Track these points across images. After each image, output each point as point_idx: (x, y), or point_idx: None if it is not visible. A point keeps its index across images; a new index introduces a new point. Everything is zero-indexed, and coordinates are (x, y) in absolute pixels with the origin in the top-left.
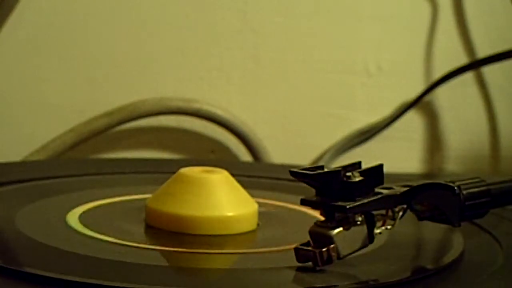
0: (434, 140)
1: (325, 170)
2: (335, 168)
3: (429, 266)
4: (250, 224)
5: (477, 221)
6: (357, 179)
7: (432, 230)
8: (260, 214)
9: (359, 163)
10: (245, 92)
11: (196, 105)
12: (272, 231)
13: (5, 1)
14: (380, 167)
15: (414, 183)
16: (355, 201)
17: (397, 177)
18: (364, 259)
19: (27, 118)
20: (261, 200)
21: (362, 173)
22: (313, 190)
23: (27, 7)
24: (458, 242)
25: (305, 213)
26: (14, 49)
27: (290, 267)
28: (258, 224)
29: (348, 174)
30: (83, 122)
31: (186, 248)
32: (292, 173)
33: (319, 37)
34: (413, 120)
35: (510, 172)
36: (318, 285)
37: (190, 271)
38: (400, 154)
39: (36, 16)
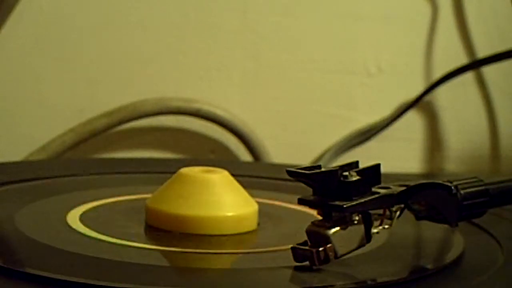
0: (434, 140)
1: (322, 169)
2: (332, 167)
3: (428, 266)
4: (250, 224)
5: (477, 220)
6: (354, 179)
7: (432, 230)
8: (260, 214)
9: (356, 163)
10: (245, 92)
11: (196, 105)
12: (272, 231)
13: (5, 1)
14: (377, 166)
15: (411, 183)
16: (352, 200)
17: (396, 177)
18: (363, 259)
19: (27, 118)
20: (261, 200)
21: (359, 172)
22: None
23: (27, 7)
24: (457, 242)
25: (305, 213)
26: (14, 49)
27: (288, 267)
28: (258, 224)
29: (345, 173)
30: (83, 122)
31: (186, 248)
32: (289, 172)
33: (319, 37)
34: (413, 120)
35: (510, 172)
36: (315, 285)
37: (190, 271)
38: (400, 154)
39: (36, 16)
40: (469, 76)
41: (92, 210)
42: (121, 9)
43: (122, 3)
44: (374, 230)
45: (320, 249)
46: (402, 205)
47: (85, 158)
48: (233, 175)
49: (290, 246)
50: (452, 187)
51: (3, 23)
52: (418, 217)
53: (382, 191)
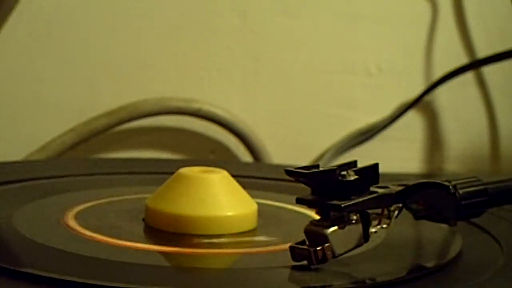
0: (434, 140)
1: (320, 169)
2: (330, 167)
3: (426, 265)
4: (249, 224)
5: (476, 220)
6: (352, 178)
7: (430, 230)
8: (260, 214)
9: (355, 162)
10: (245, 92)
11: (196, 105)
12: (271, 231)
13: (5, 1)
14: (375, 166)
15: (410, 182)
16: (350, 200)
17: (396, 177)
18: (361, 258)
19: (27, 118)
20: (260, 200)
21: (357, 172)
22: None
23: (27, 7)
24: (456, 241)
25: (304, 213)
26: (14, 49)
27: (287, 267)
28: (257, 224)
29: (343, 173)
30: (83, 122)
31: (186, 248)
32: (287, 172)
33: (319, 37)
34: (413, 120)
35: (510, 172)
36: (313, 284)
37: (190, 271)
38: (400, 154)
39: (36, 16)
40: (469, 76)
41: (91, 210)
42: (121, 9)
43: (122, 3)
44: (372, 230)
45: (318, 248)
46: (400, 205)
47: (85, 158)
48: (233, 175)
49: (288, 246)
50: (450, 187)
51: (3, 23)
52: (417, 217)
53: (380, 190)
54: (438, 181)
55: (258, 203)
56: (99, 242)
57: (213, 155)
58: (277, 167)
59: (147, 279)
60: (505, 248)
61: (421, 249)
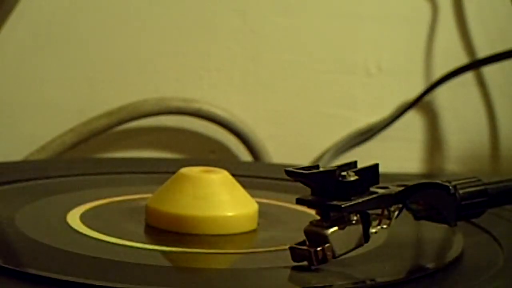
0: (434, 140)
1: (320, 169)
2: (330, 167)
3: (427, 266)
4: (250, 224)
5: (476, 220)
6: (352, 179)
7: (431, 230)
8: (260, 214)
9: (355, 163)
10: (245, 92)
11: (196, 105)
12: (272, 231)
13: (5, 1)
14: (375, 166)
15: (410, 183)
16: (350, 200)
17: (396, 177)
18: (361, 258)
19: (27, 118)
20: (261, 200)
21: (357, 172)
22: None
23: (27, 7)
24: (457, 241)
25: (305, 213)
26: (14, 49)
27: (287, 267)
28: (258, 224)
29: (343, 173)
30: (83, 122)
31: (186, 248)
32: (287, 172)
33: (319, 37)
34: (413, 120)
35: (510, 172)
36: (314, 285)
37: (190, 271)
38: (400, 154)
39: (36, 16)
40: (469, 76)
41: (92, 210)
42: (121, 9)
43: (122, 3)
44: (372, 230)
45: (318, 249)
46: (400, 205)
47: (85, 158)
48: (233, 175)
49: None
50: (450, 187)
51: (3, 23)
52: (417, 217)
53: (380, 191)
54: (438, 181)
55: (259, 203)
56: (99, 241)
57: (213, 155)
58: (277, 166)
59: (148, 279)
60: (505, 248)
61: (422, 249)
